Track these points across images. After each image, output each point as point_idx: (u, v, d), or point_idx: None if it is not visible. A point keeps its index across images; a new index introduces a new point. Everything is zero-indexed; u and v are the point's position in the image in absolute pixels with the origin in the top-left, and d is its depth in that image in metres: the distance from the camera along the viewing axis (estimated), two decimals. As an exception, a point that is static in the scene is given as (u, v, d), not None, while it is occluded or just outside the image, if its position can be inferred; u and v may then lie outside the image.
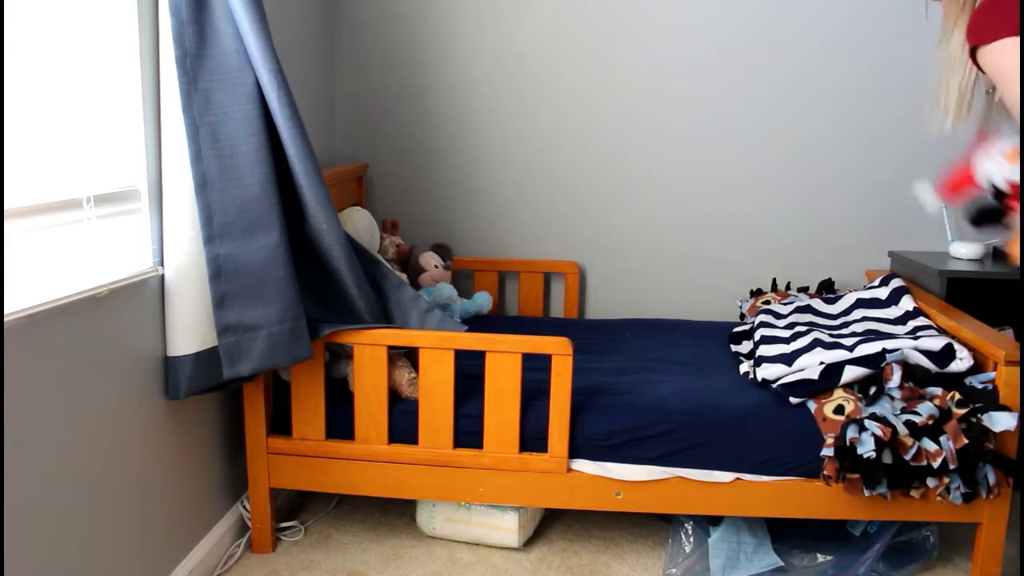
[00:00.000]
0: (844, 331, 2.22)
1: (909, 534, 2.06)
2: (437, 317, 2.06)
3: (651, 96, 2.82)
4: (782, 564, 2.01)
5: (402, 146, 2.95)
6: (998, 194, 1.88)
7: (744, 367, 2.20)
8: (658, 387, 2.11)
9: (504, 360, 1.92)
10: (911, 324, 2.17)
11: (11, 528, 1.34)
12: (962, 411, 1.80)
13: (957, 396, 1.84)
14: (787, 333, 2.22)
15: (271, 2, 2.29)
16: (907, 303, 2.29)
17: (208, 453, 2.03)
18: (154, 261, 1.78)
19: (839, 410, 1.89)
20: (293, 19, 2.50)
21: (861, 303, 2.43)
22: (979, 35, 1.58)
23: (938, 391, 1.88)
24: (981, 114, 1.71)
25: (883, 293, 2.40)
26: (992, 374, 1.87)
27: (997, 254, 2.62)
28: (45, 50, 1.45)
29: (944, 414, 1.81)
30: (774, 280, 2.79)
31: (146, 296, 1.73)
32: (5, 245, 1.32)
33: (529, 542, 2.20)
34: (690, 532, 2.07)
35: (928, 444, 1.78)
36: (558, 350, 1.90)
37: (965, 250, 2.56)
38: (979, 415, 1.80)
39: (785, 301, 2.65)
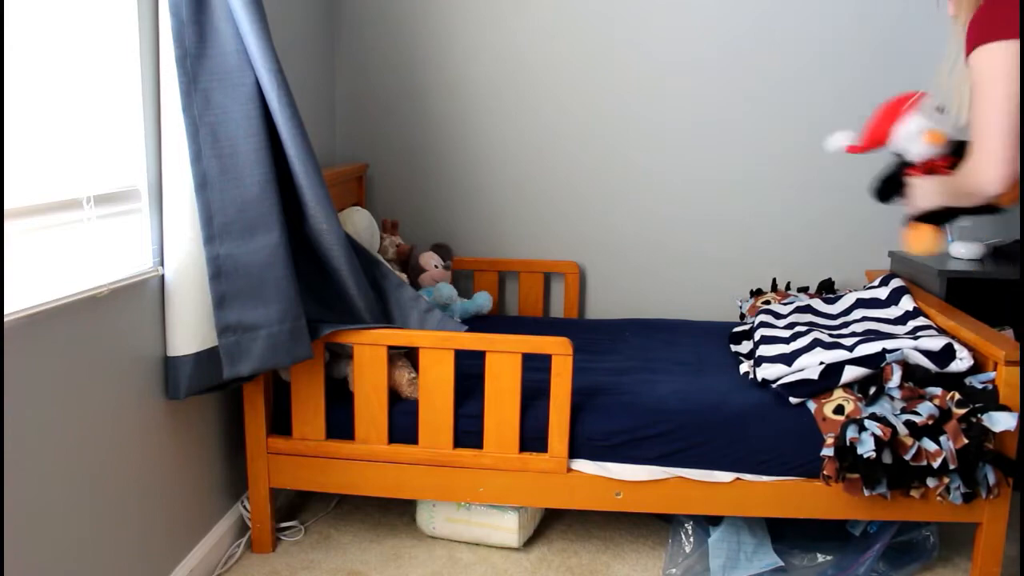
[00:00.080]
0: (844, 331, 2.22)
1: (909, 534, 2.06)
2: (437, 317, 2.06)
3: (651, 96, 2.82)
4: (782, 564, 2.01)
5: (402, 146, 2.95)
6: (903, 164, 1.94)
7: (744, 367, 2.20)
8: (658, 387, 2.11)
9: (504, 360, 1.92)
10: (911, 324, 2.17)
11: (11, 528, 1.34)
12: (962, 411, 1.80)
13: (957, 396, 1.84)
14: (787, 333, 2.21)
15: (271, 2, 2.29)
16: (907, 303, 2.29)
17: (208, 453, 2.03)
18: (154, 261, 1.78)
19: (839, 410, 1.89)
20: (293, 19, 2.50)
21: (861, 303, 2.43)
22: (966, 45, 1.59)
23: (938, 391, 1.88)
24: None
25: (883, 293, 2.40)
26: (992, 374, 1.87)
27: (997, 254, 2.62)
28: (45, 50, 1.45)
29: (944, 414, 1.81)
30: (774, 280, 2.79)
31: (146, 296, 1.73)
32: (5, 245, 1.32)
33: (529, 542, 2.20)
34: (690, 532, 2.07)
35: (928, 444, 1.78)
36: (558, 350, 1.90)
37: (965, 250, 2.56)
38: (979, 415, 1.80)
39: (785, 301, 2.65)
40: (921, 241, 1.93)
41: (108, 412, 1.61)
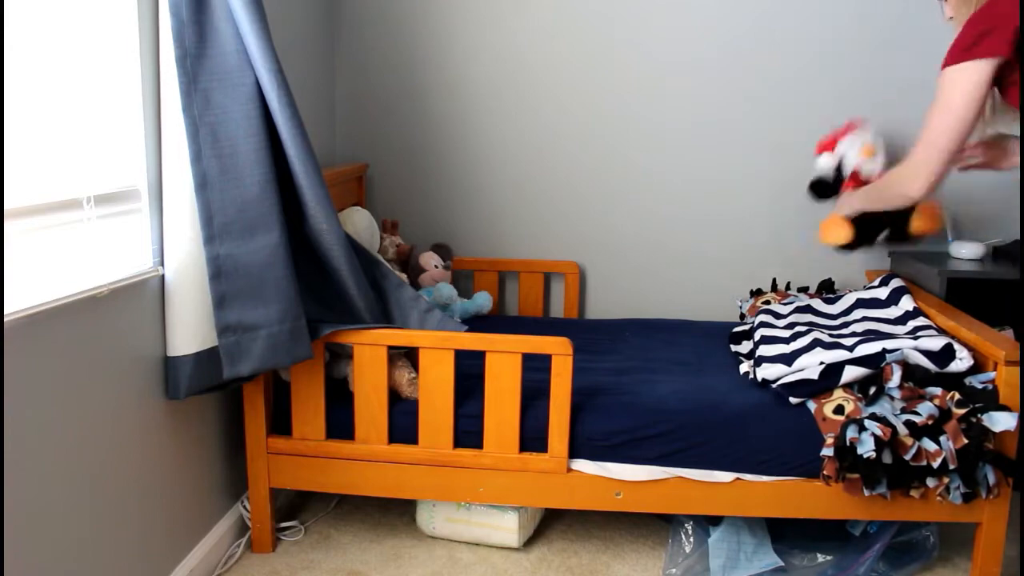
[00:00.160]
0: (844, 331, 2.22)
1: (909, 534, 2.06)
2: (437, 317, 2.06)
3: (651, 96, 2.82)
4: (782, 564, 2.01)
5: (402, 146, 2.95)
6: (840, 177, 2.30)
7: (744, 367, 2.20)
8: (658, 387, 2.11)
9: (504, 360, 1.92)
10: (911, 324, 2.17)
11: (11, 528, 1.34)
12: (962, 411, 1.80)
13: (957, 396, 1.84)
14: (787, 333, 2.21)
15: (271, 2, 2.29)
16: (907, 303, 2.29)
17: (208, 453, 2.03)
18: (154, 261, 1.78)
19: (839, 410, 1.89)
20: (293, 19, 2.50)
21: (861, 303, 2.43)
22: (946, 59, 1.75)
23: (938, 391, 1.88)
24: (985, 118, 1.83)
25: (883, 293, 2.40)
26: (992, 374, 1.87)
27: (997, 254, 2.62)
28: (45, 50, 1.45)
29: (944, 414, 1.81)
30: (774, 280, 2.79)
31: (146, 296, 1.73)
32: (5, 245, 1.32)
33: (529, 542, 2.20)
34: (690, 532, 2.07)
35: (928, 444, 1.78)
36: (558, 350, 1.90)
37: (965, 250, 2.56)
38: (979, 415, 1.80)
39: (785, 301, 2.65)
40: (831, 232, 2.20)
41: (108, 412, 1.61)
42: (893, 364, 1.91)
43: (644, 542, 2.21)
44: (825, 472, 1.82)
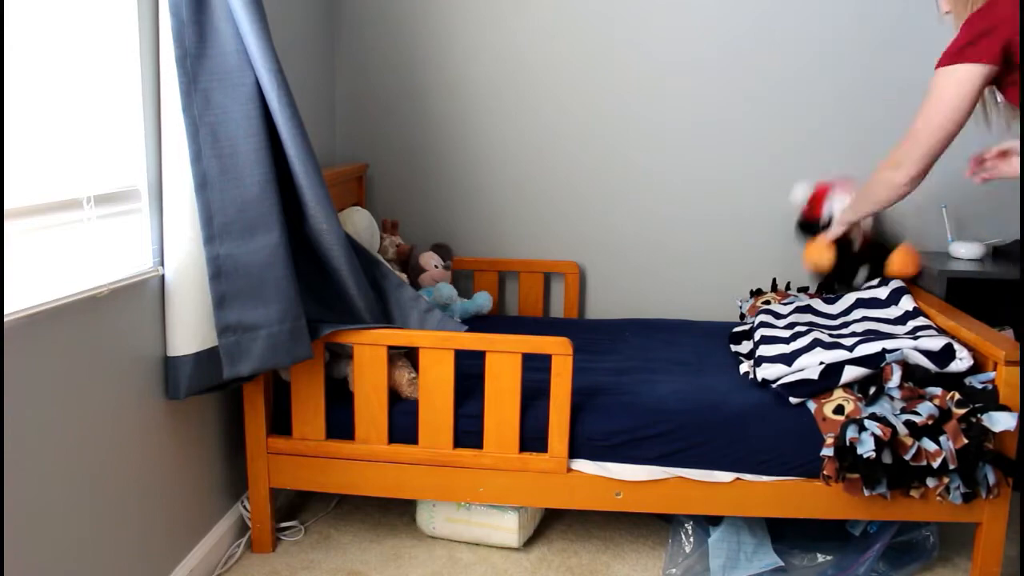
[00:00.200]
0: (844, 331, 2.22)
1: (909, 534, 2.06)
2: (437, 317, 2.06)
3: (651, 96, 2.82)
4: (782, 564, 2.01)
5: (402, 146, 2.95)
6: (827, 224, 2.43)
7: (744, 367, 2.20)
8: (658, 387, 2.11)
9: (504, 360, 1.92)
10: (911, 324, 2.17)
11: (11, 528, 1.34)
12: (962, 411, 1.80)
13: (957, 396, 1.84)
14: (787, 333, 2.21)
15: (271, 2, 2.29)
16: (907, 303, 2.29)
17: (208, 453, 2.03)
18: (154, 261, 1.78)
19: (839, 410, 1.89)
20: (293, 19, 2.50)
21: (861, 303, 2.43)
22: (939, 61, 1.78)
23: (938, 391, 1.88)
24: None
25: (883, 293, 2.40)
26: (992, 374, 1.87)
27: (997, 254, 2.62)
28: (45, 50, 1.45)
29: (944, 414, 1.81)
30: (774, 280, 2.79)
31: (146, 296, 1.73)
32: (5, 245, 1.32)
33: (529, 542, 2.20)
34: (690, 532, 2.07)
35: (928, 444, 1.78)
36: (558, 350, 1.90)
37: (965, 250, 2.56)
38: (979, 415, 1.80)
39: (785, 301, 2.65)
40: (815, 254, 2.38)
41: (108, 412, 1.61)
42: (893, 364, 1.91)
43: (644, 542, 2.21)
44: (825, 472, 1.82)
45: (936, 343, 1.95)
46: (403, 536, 2.22)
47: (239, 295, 1.77)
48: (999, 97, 1.83)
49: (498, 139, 2.90)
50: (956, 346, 1.95)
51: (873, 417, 1.81)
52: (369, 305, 2.00)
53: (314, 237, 1.91)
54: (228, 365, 1.78)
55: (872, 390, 1.92)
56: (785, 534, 2.09)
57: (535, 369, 2.08)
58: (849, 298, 2.48)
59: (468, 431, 1.99)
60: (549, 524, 2.29)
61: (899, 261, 2.41)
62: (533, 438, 1.98)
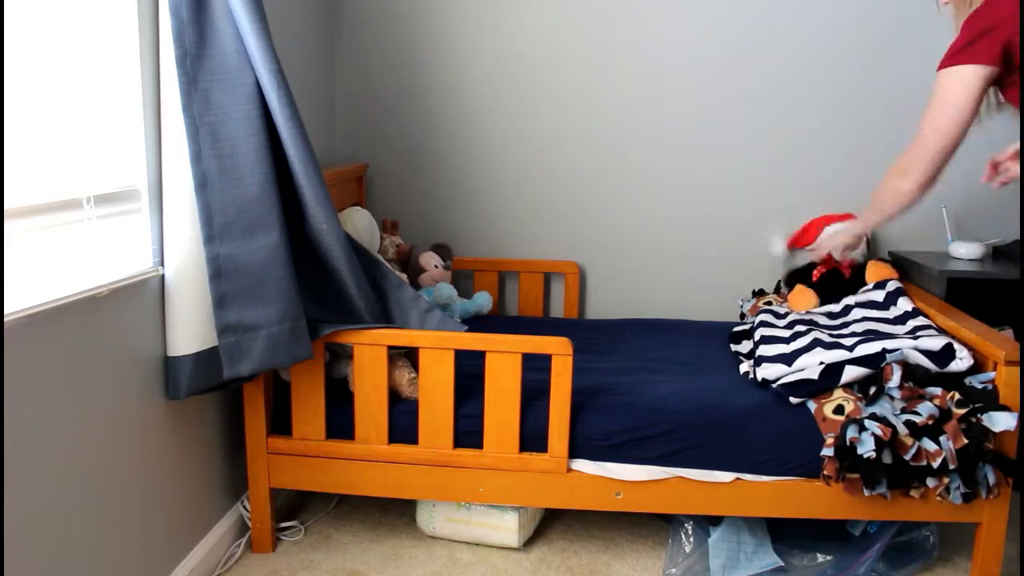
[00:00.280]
0: (844, 331, 2.22)
1: (909, 534, 2.06)
2: (437, 317, 2.06)
3: (651, 96, 2.82)
4: (782, 564, 2.01)
5: (402, 146, 2.95)
6: (812, 264, 2.61)
7: (744, 367, 2.20)
8: (658, 387, 2.11)
9: (504, 360, 1.92)
10: (911, 324, 2.17)
11: (11, 528, 1.34)
12: (962, 411, 1.80)
13: (957, 396, 1.84)
14: (787, 333, 2.22)
15: (271, 2, 2.29)
16: (904, 304, 2.30)
17: (208, 453, 2.03)
18: (154, 261, 1.78)
19: (839, 410, 1.89)
20: (293, 19, 2.50)
21: (860, 305, 2.43)
22: (942, 61, 1.75)
23: (938, 391, 1.88)
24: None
25: (879, 296, 2.40)
26: (992, 374, 1.87)
27: (997, 254, 2.62)
28: (45, 50, 1.45)
29: (944, 414, 1.81)
30: (778, 283, 2.80)
31: (146, 296, 1.73)
32: (5, 245, 1.32)
33: (529, 542, 2.20)
34: (690, 532, 2.07)
35: (928, 444, 1.78)
36: (558, 350, 1.90)
37: (965, 250, 2.56)
38: (979, 415, 1.80)
39: (786, 302, 2.66)
40: (799, 304, 2.54)
41: (108, 412, 1.61)
42: (893, 364, 1.91)
43: (644, 542, 2.21)
44: (825, 472, 1.82)
45: (936, 343, 1.95)
46: (403, 536, 2.22)
47: (239, 295, 1.77)
48: (1000, 98, 1.82)
49: (498, 139, 2.90)
50: (956, 346, 1.95)
51: (873, 417, 1.81)
52: (369, 305, 2.00)
53: (314, 237, 1.91)
54: (228, 365, 1.78)
55: (872, 390, 1.92)
56: (785, 534, 2.09)
57: (535, 369, 2.08)
58: (849, 298, 2.48)
59: (468, 431, 1.99)
60: (549, 524, 2.29)
61: (874, 275, 2.52)
62: (533, 438, 1.98)
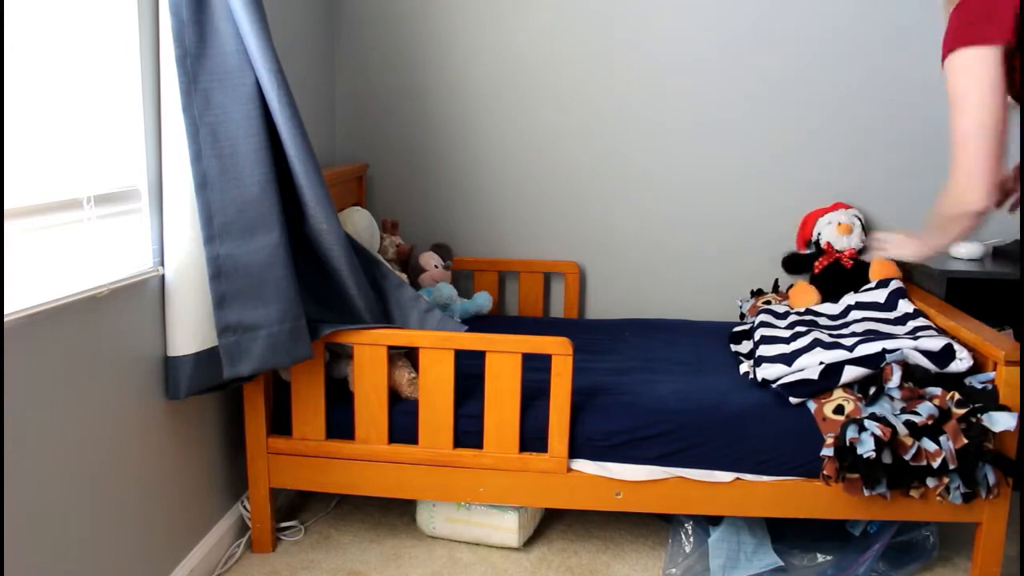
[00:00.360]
0: (844, 331, 2.22)
1: (909, 534, 2.06)
2: (437, 317, 2.06)
3: (651, 96, 2.82)
4: (782, 564, 2.01)
5: (402, 146, 2.95)
6: (819, 249, 2.67)
7: (744, 367, 2.20)
8: (658, 387, 2.11)
9: (504, 360, 1.92)
10: (911, 324, 2.18)
11: (11, 528, 1.34)
12: (962, 411, 1.80)
13: (957, 396, 1.84)
14: (787, 333, 2.22)
15: (271, 2, 2.29)
16: (905, 306, 2.30)
17: (208, 453, 2.03)
18: (154, 261, 1.78)
19: (839, 410, 1.89)
20: (293, 19, 2.50)
21: (860, 305, 2.43)
22: (942, 48, 1.52)
23: (938, 391, 1.88)
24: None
25: (881, 296, 2.40)
26: (992, 374, 1.87)
27: (997, 254, 2.62)
28: (45, 50, 1.45)
29: (944, 414, 1.81)
30: (776, 281, 2.80)
31: (146, 296, 1.73)
32: (5, 245, 1.32)
33: (529, 542, 2.20)
34: (690, 532, 2.07)
35: (928, 444, 1.78)
36: (558, 350, 1.90)
37: (965, 250, 2.56)
38: (979, 415, 1.80)
39: (785, 301, 2.66)
40: (800, 300, 2.57)
41: (108, 412, 1.61)
42: (893, 364, 1.91)
43: (644, 542, 2.21)
44: (825, 472, 1.82)
45: (936, 343, 1.95)
46: (403, 536, 2.22)
47: (239, 295, 1.77)
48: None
49: (498, 139, 2.90)
50: (956, 346, 1.95)
51: (873, 417, 1.81)
52: (369, 305, 2.00)
53: (314, 237, 1.91)
54: (228, 365, 1.78)
55: (872, 390, 1.92)
56: (785, 534, 2.09)
57: (535, 369, 2.08)
58: (849, 298, 2.49)
59: (468, 431, 1.99)
60: (549, 524, 2.29)
61: (877, 272, 2.54)
62: (533, 438, 1.98)
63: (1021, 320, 2.38)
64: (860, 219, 2.67)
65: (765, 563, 2.01)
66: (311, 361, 1.97)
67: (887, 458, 1.78)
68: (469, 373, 2.07)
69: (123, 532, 1.68)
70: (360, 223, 2.36)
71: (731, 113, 2.80)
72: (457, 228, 2.98)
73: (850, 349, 1.99)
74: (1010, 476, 1.83)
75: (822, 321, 2.40)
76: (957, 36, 1.51)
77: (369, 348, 1.96)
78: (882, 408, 1.87)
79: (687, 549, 2.05)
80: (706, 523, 2.09)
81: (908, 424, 1.79)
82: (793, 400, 1.98)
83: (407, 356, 2.11)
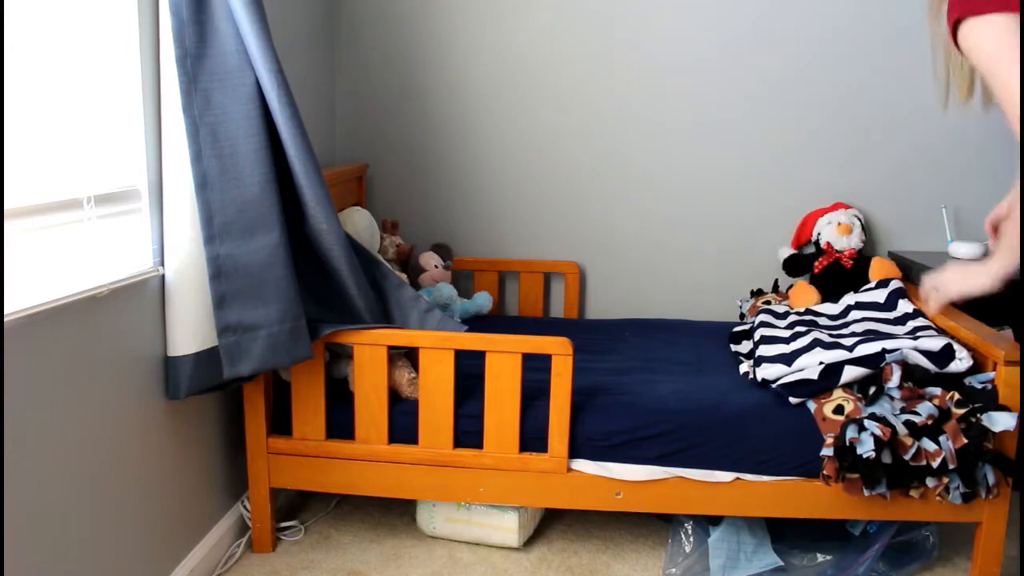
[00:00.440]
0: (844, 331, 2.22)
1: (909, 534, 2.06)
2: (437, 317, 2.06)
3: (651, 96, 2.82)
4: (782, 564, 2.01)
5: (402, 146, 2.95)
6: (819, 249, 2.68)
7: (744, 367, 2.20)
8: (658, 387, 2.11)
9: (504, 360, 1.92)
10: (911, 324, 2.18)
11: (11, 528, 1.34)
12: (961, 411, 1.80)
13: (956, 396, 1.84)
14: (787, 333, 2.22)
15: (271, 2, 2.29)
16: (905, 306, 2.30)
17: (208, 453, 2.03)
18: (154, 261, 1.78)
19: (839, 410, 1.89)
20: (293, 19, 2.50)
21: (860, 305, 2.43)
22: (962, 6, 1.31)
23: (937, 391, 1.88)
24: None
25: (881, 296, 2.40)
26: (991, 374, 1.87)
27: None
28: (45, 50, 1.45)
29: (943, 414, 1.81)
30: (776, 281, 2.80)
31: (146, 296, 1.73)
32: (5, 245, 1.32)
33: (529, 542, 2.20)
34: (690, 532, 2.07)
35: (928, 444, 1.78)
36: (558, 350, 1.90)
37: (965, 250, 2.56)
38: (978, 415, 1.80)
39: (785, 301, 2.66)
40: (800, 300, 2.58)
41: (108, 412, 1.61)
42: (893, 364, 1.91)
43: (644, 542, 2.21)
44: (825, 472, 1.82)
45: (936, 343, 1.95)
46: (403, 536, 2.22)
47: (239, 295, 1.77)
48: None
49: (498, 139, 2.90)
50: (956, 346, 1.95)
51: (873, 417, 1.81)
52: (369, 305, 2.00)
53: (314, 237, 1.91)
54: (228, 365, 1.78)
55: (872, 390, 1.92)
56: (785, 534, 2.09)
57: (535, 369, 2.08)
58: (849, 298, 2.49)
59: (468, 431, 1.99)
60: (549, 524, 2.29)
61: (877, 272, 2.54)
62: (533, 438, 1.98)
63: (1021, 320, 2.38)
64: (860, 219, 2.68)
65: (765, 563, 2.01)
66: (311, 361, 1.97)
67: (887, 458, 1.78)
68: (469, 373, 2.07)
69: (123, 532, 1.68)
70: (360, 223, 2.36)
71: (731, 113, 2.80)
72: (457, 228, 2.98)
73: (850, 349, 1.99)
74: (1010, 476, 1.83)
75: (822, 321, 2.39)
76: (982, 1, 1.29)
77: (369, 348, 1.96)
78: (882, 408, 1.87)
79: (687, 549, 2.05)
80: (706, 523, 2.09)
81: (908, 424, 1.79)
82: (793, 400, 1.98)
83: (407, 356, 2.11)
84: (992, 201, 2.75)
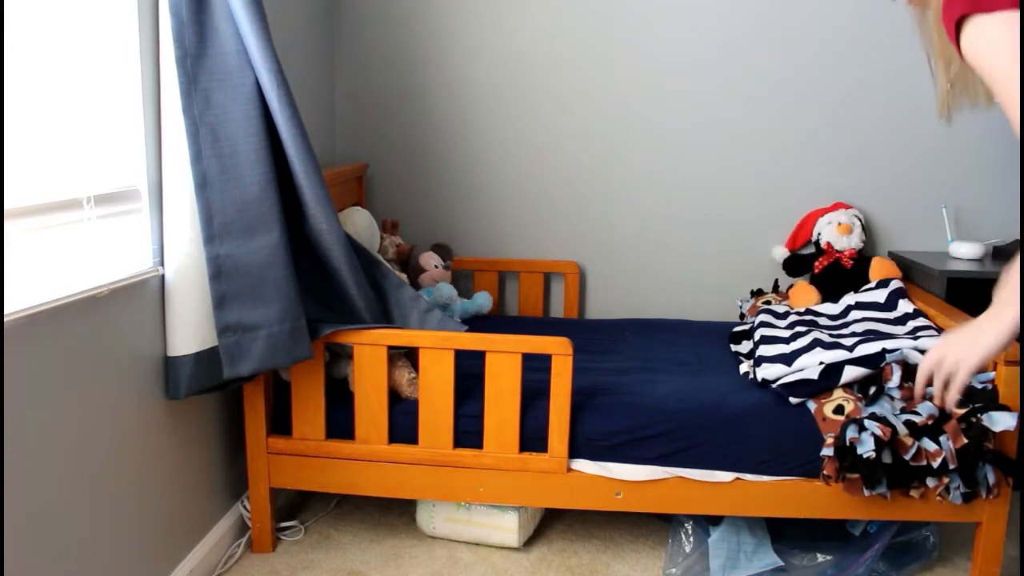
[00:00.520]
0: (844, 331, 2.22)
1: (909, 534, 2.06)
2: (437, 317, 2.06)
3: (651, 96, 2.82)
4: (782, 564, 2.01)
5: (402, 146, 2.95)
6: (818, 250, 2.68)
7: (744, 367, 2.20)
8: (658, 387, 2.11)
9: (504, 360, 1.92)
10: (911, 324, 2.18)
11: (11, 528, 1.34)
12: (962, 411, 1.80)
13: (957, 396, 1.84)
14: (787, 333, 2.22)
15: (271, 2, 2.29)
16: (905, 306, 2.30)
17: (208, 453, 2.03)
18: (154, 261, 1.78)
19: (839, 410, 1.89)
20: (293, 19, 2.50)
21: (861, 305, 2.43)
22: (966, 2, 1.16)
23: (938, 391, 1.88)
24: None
25: (881, 296, 2.40)
26: (992, 374, 1.87)
27: (997, 254, 2.62)
28: (45, 50, 1.45)
29: (944, 414, 1.81)
30: (776, 281, 2.80)
31: (146, 296, 1.73)
32: (5, 245, 1.32)
33: (529, 542, 2.20)
34: (690, 532, 2.07)
35: (928, 444, 1.78)
36: (558, 350, 1.90)
37: (965, 250, 2.56)
38: (979, 415, 1.80)
39: (785, 301, 2.66)
40: (800, 301, 2.59)
41: (108, 412, 1.61)
42: (893, 364, 1.91)
43: (644, 542, 2.21)
44: (825, 472, 1.82)
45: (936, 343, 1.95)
46: (403, 536, 2.22)
47: (239, 295, 1.77)
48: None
49: (498, 139, 2.90)
50: (956, 346, 1.94)
51: (873, 417, 1.81)
52: (369, 305, 2.00)
53: (314, 237, 1.91)
54: (228, 365, 1.78)
55: (872, 390, 1.92)
56: (785, 534, 2.09)
57: (535, 369, 2.08)
58: (849, 298, 2.49)
59: (468, 431, 1.99)
60: (549, 524, 2.29)
61: (877, 272, 2.55)
62: (533, 438, 1.98)
63: (1021, 319, 2.38)
64: (860, 219, 2.68)
65: (765, 563, 2.01)
66: (311, 361, 1.97)
67: (887, 458, 1.78)
68: (469, 373, 2.07)
69: (123, 532, 1.68)
70: (360, 223, 2.36)
71: (731, 113, 2.80)
72: (457, 228, 2.98)
73: (850, 349, 1.99)
74: (1010, 476, 1.83)
75: (822, 321, 2.39)
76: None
77: (369, 348, 1.96)
78: (882, 408, 1.87)
79: (687, 549, 2.05)
80: (706, 523, 2.09)
81: (908, 424, 1.79)
82: (793, 400, 1.98)
83: (407, 356, 2.11)
84: (992, 201, 2.75)
